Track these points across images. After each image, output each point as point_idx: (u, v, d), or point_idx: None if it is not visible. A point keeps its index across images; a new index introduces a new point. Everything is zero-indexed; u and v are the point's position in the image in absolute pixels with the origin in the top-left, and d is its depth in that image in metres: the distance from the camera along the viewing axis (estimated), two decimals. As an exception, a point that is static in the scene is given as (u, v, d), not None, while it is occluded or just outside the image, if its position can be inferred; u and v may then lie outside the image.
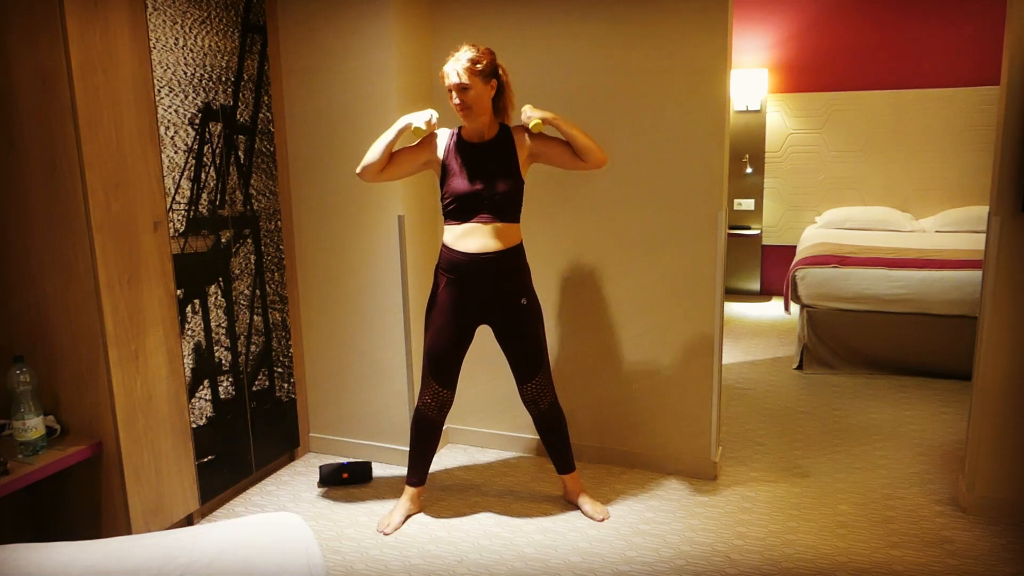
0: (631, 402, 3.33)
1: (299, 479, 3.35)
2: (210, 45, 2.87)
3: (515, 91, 3.11)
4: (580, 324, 3.35)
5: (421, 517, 3.00)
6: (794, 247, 5.97)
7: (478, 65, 2.58)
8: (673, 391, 3.25)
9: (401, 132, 2.69)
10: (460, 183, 2.69)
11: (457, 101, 2.61)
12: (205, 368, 2.94)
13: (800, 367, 4.59)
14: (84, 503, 2.66)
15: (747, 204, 6.33)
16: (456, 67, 2.58)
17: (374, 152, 2.69)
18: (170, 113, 2.71)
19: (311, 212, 3.38)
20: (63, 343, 2.55)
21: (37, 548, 1.65)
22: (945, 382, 4.31)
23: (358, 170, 2.74)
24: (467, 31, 3.23)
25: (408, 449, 3.02)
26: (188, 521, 2.93)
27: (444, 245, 2.77)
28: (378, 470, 3.41)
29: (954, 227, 5.58)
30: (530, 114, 2.71)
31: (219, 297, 2.99)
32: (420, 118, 2.68)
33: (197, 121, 2.84)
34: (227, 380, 3.05)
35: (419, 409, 2.92)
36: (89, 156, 2.41)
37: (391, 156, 2.74)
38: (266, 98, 3.18)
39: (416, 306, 3.29)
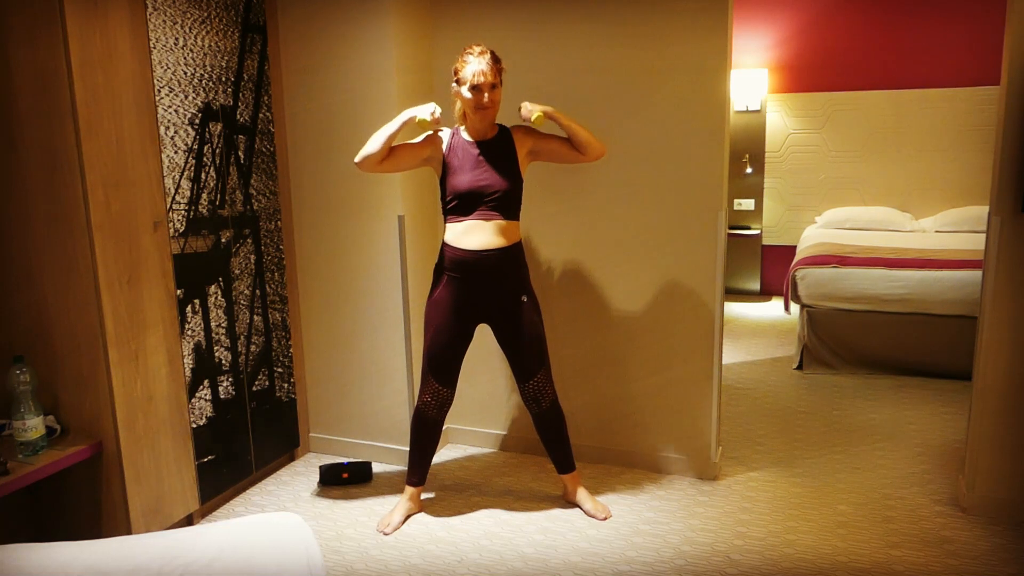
0: (631, 402, 3.33)
1: (299, 479, 3.35)
2: (210, 45, 2.88)
3: (517, 90, 3.12)
4: (580, 324, 3.35)
5: (421, 517, 3.00)
6: (794, 247, 5.97)
7: (502, 65, 2.66)
8: (673, 391, 3.25)
9: (405, 125, 2.69)
10: (461, 180, 2.70)
11: (487, 100, 2.63)
12: (205, 368, 2.94)
13: (800, 367, 4.58)
14: (84, 503, 2.66)
15: (747, 204, 6.33)
16: (487, 67, 2.61)
17: (375, 143, 2.68)
18: (170, 113, 2.71)
19: (311, 212, 3.38)
20: (63, 343, 2.55)
21: (37, 548, 1.65)
22: (945, 382, 4.31)
23: (357, 159, 2.71)
24: (467, 31, 3.24)
25: (408, 449, 3.02)
26: (188, 521, 2.92)
27: (445, 243, 2.77)
28: (378, 470, 3.41)
29: (954, 227, 5.58)
30: (530, 108, 2.73)
31: (219, 297, 2.99)
32: (425, 111, 2.70)
33: (197, 121, 2.84)
34: (227, 380, 3.05)
35: (419, 408, 2.92)
36: (89, 156, 2.41)
37: (392, 148, 2.74)
38: (266, 98, 3.18)
39: (416, 306, 3.29)
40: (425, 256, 3.37)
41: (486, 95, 2.62)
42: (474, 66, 2.61)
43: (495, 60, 2.64)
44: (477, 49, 2.64)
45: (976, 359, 2.91)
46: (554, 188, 3.25)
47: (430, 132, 2.78)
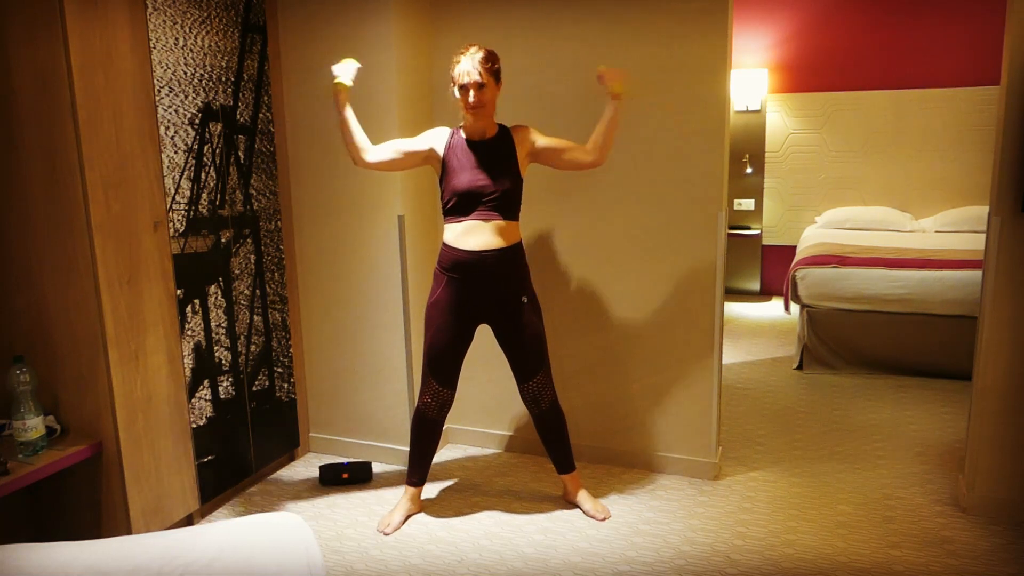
0: (631, 402, 3.33)
1: (299, 479, 3.35)
2: (210, 45, 2.87)
3: (517, 90, 3.12)
4: (580, 324, 3.35)
5: (421, 517, 3.00)
6: (794, 247, 5.97)
7: (494, 65, 2.65)
8: (673, 391, 3.25)
9: (339, 98, 2.67)
10: (461, 180, 2.70)
11: (473, 99, 2.63)
12: (205, 368, 2.94)
13: (800, 367, 4.58)
14: (84, 503, 2.66)
15: (747, 204, 6.33)
16: (475, 66, 2.61)
17: (344, 140, 2.73)
18: (170, 113, 2.71)
19: (311, 212, 3.38)
20: (63, 343, 2.55)
21: (37, 548, 1.65)
22: (945, 382, 4.31)
23: (352, 161, 2.77)
24: (467, 31, 3.24)
25: (408, 449, 3.02)
26: (188, 521, 2.92)
27: (445, 244, 2.77)
28: (378, 470, 3.41)
29: (954, 227, 5.58)
30: (619, 79, 2.66)
31: (219, 297, 2.99)
32: (339, 74, 2.64)
33: (197, 121, 2.84)
34: (227, 380, 3.05)
35: (419, 409, 2.92)
36: (89, 156, 2.41)
37: (392, 148, 2.76)
38: (266, 98, 3.18)
39: (416, 306, 3.29)
40: (425, 256, 3.37)
41: (472, 93, 2.63)
42: (463, 65, 2.63)
43: (487, 59, 2.63)
44: (471, 49, 2.64)
45: (976, 359, 2.91)
46: (554, 188, 3.25)
47: (428, 134, 2.79)
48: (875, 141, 5.96)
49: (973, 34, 5.60)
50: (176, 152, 2.75)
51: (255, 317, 3.19)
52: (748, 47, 6.14)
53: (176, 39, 2.72)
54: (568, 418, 3.10)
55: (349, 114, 2.70)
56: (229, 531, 1.77)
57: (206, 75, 2.86)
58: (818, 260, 4.65)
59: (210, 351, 2.96)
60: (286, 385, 3.39)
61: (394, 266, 3.27)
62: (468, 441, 3.65)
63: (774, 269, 6.40)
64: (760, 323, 5.67)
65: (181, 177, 2.78)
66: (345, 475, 3.26)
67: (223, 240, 3.00)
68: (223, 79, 2.95)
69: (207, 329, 2.94)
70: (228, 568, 1.64)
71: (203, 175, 2.88)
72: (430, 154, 2.77)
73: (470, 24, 3.26)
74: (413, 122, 3.22)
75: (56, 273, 2.50)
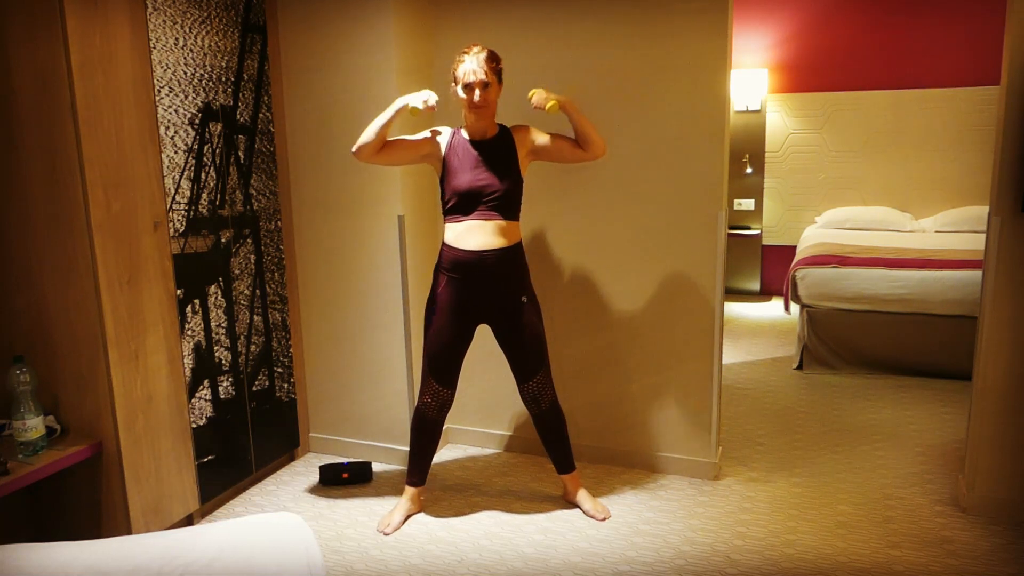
0: (631, 402, 3.33)
1: (299, 479, 3.35)
2: (210, 45, 2.88)
3: (516, 91, 3.12)
4: (580, 324, 3.35)
5: (421, 517, 3.00)
6: (794, 247, 5.97)
7: (497, 64, 2.67)
8: (673, 391, 3.25)
9: (398, 113, 2.65)
10: (461, 180, 2.70)
11: (478, 99, 2.63)
12: (205, 368, 2.94)
13: (800, 367, 4.58)
14: (84, 503, 2.66)
15: (747, 204, 6.33)
16: (480, 65, 2.61)
17: (369, 132, 2.65)
18: (170, 113, 2.71)
19: (311, 212, 3.38)
20: (63, 343, 2.55)
21: (37, 548, 1.65)
22: (945, 382, 4.31)
23: (354, 148, 2.68)
24: (468, 31, 3.24)
25: (408, 449, 3.02)
26: (188, 521, 2.93)
27: (445, 244, 2.77)
28: (378, 470, 3.41)
29: (954, 227, 5.58)
30: (544, 96, 2.69)
31: (219, 297, 2.99)
32: (417, 98, 2.65)
33: (197, 121, 2.84)
34: (227, 380, 3.05)
35: (419, 409, 2.92)
36: (89, 156, 2.41)
37: (392, 142, 2.73)
38: (266, 98, 3.18)
39: (416, 306, 3.29)
40: (425, 256, 3.37)
41: (477, 92, 2.63)
42: (467, 64, 2.63)
43: (491, 59, 2.65)
44: (474, 49, 2.65)
45: (976, 359, 2.91)
46: (554, 188, 3.25)
47: (429, 132, 2.79)
48: (875, 141, 5.96)
49: (973, 34, 5.60)
50: (176, 152, 2.75)
51: (255, 317, 3.19)
52: (748, 47, 6.14)
53: (176, 39, 2.72)
54: (568, 418, 3.10)
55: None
56: (229, 531, 1.77)
57: (206, 75, 2.86)
58: (818, 260, 4.65)
59: (210, 351, 2.96)
60: (286, 385, 3.39)
61: (394, 266, 3.28)
62: (468, 441, 3.65)
63: (774, 269, 6.40)
64: (760, 323, 5.67)
65: (181, 177, 2.78)
66: (345, 475, 3.26)
67: (223, 240, 3.00)
68: (223, 79, 2.95)
69: (207, 329, 2.94)
70: (228, 568, 1.65)
71: (203, 175, 2.88)
72: (431, 152, 2.77)
73: (470, 24, 3.27)
74: (413, 122, 3.22)
75: (56, 273, 2.50)
